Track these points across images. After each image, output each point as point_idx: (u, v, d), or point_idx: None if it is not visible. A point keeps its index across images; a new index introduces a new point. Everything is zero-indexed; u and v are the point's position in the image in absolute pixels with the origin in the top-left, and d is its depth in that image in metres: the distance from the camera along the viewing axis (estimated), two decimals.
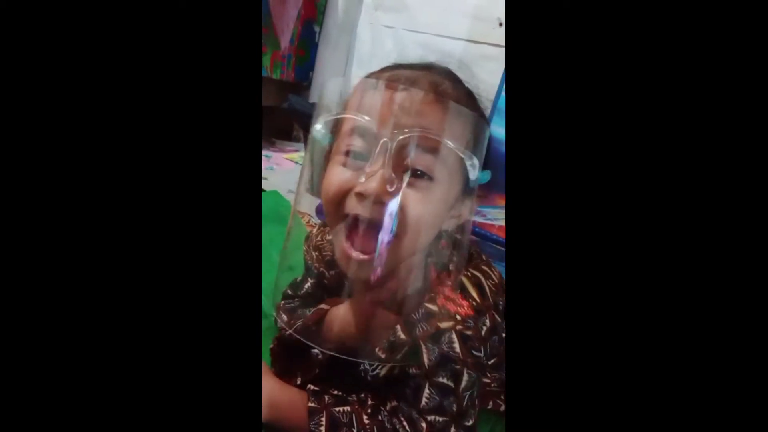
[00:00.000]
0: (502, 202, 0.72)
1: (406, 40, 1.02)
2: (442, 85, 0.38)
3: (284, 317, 0.44)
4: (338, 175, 0.36)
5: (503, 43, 0.82)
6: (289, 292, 0.47)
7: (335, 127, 0.38)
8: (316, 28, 1.29)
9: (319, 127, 0.38)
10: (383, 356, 0.36)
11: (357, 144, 0.36)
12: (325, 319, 0.40)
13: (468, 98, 0.40)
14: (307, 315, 0.41)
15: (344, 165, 0.37)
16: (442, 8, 0.99)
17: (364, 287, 0.38)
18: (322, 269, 0.45)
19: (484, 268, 0.42)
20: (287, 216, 0.41)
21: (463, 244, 0.40)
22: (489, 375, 0.41)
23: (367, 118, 0.34)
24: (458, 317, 0.37)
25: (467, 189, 0.38)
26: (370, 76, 0.40)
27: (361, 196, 0.34)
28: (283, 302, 0.46)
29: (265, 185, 1.05)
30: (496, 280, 0.41)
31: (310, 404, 0.36)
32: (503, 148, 0.77)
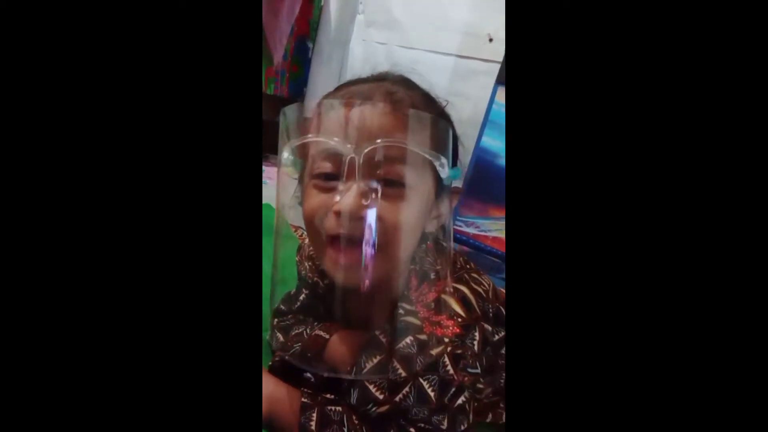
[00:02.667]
0: (496, 214, 0.73)
1: (398, 55, 1.04)
2: (397, 93, 0.39)
3: (280, 337, 0.43)
4: (313, 198, 0.37)
5: (493, 58, 0.84)
6: (283, 307, 0.46)
7: (302, 152, 0.39)
8: (310, 44, 1.30)
9: (286, 155, 0.39)
10: (381, 397, 0.36)
11: (326, 165, 0.36)
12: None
13: (425, 100, 0.41)
14: (305, 339, 0.41)
15: (317, 188, 0.37)
16: (434, 25, 1.01)
17: (357, 301, 0.38)
18: (316, 279, 0.45)
19: (467, 277, 0.42)
20: (282, 228, 0.41)
21: (447, 247, 0.40)
22: (483, 384, 0.41)
23: (335, 139, 0.35)
24: (446, 339, 0.37)
25: (441, 188, 0.39)
26: (326, 96, 0.41)
27: (338, 214, 0.35)
28: (276, 320, 0.45)
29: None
30: (486, 286, 0.41)
31: (303, 399, 0.37)
32: (497, 160, 0.78)
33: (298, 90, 1.32)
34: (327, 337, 0.39)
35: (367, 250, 0.35)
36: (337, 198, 0.34)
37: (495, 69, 0.82)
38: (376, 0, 1.12)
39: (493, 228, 0.63)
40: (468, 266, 0.43)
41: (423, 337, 0.37)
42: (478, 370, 0.37)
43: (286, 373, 0.40)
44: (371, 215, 0.34)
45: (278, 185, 0.41)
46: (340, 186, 0.35)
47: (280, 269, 0.41)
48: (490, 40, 0.91)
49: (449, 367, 0.36)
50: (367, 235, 0.34)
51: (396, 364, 0.36)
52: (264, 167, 1.22)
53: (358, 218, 0.34)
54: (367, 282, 0.35)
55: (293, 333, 0.42)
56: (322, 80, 1.24)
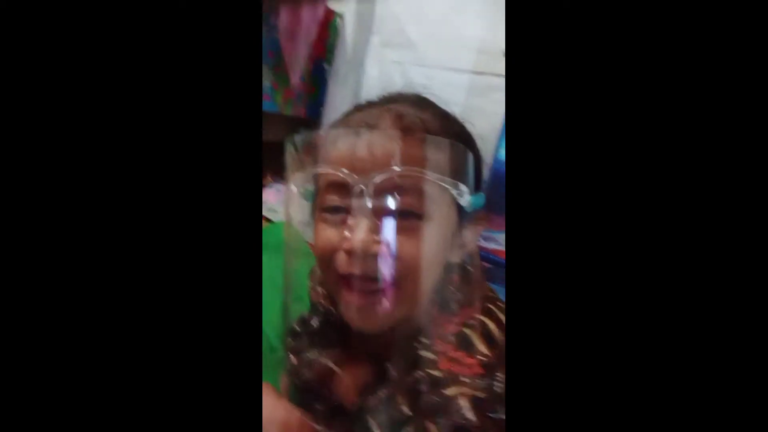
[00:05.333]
0: None
1: (413, 74, 1.05)
2: (407, 116, 0.35)
3: (293, 360, 0.41)
4: (323, 234, 0.35)
5: None
6: (297, 328, 0.45)
7: (314, 180, 0.37)
8: (326, 66, 1.33)
9: (294, 189, 0.37)
10: None
11: (334, 198, 0.34)
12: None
13: (439, 121, 0.37)
14: (313, 368, 0.39)
15: (327, 222, 0.35)
16: (448, 43, 1.02)
17: (372, 335, 0.36)
18: (328, 306, 0.43)
19: (492, 306, 0.37)
20: (298, 246, 0.41)
21: (474, 276, 0.37)
22: None
23: (343, 170, 0.32)
24: (465, 380, 0.32)
25: (464, 216, 0.36)
26: (334, 124, 0.39)
27: (349, 251, 0.32)
28: (292, 341, 0.44)
29: (275, 217, 1.06)
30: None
31: (317, 427, 0.34)
32: None
33: (315, 110, 1.34)
34: (336, 369, 0.37)
35: (384, 291, 0.32)
36: (347, 234, 0.32)
37: None
38: (390, 22, 1.15)
39: None
40: (492, 293, 0.39)
41: (437, 373, 0.33)
42: (501, 416, 0.31)
43: (297, 398, 0.38)
44: (385, 251, 0.31)
45: (289, 203, 0.39)
46: (350, 220, 0.32)
47: (296, 287, 0.40)
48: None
49: (468, 412, 0.31)
50: (383, 274, 0.31)
51: (399, 398, 0.33)
52: (282, 186, 1.23)
53: (371, 255, 0.31)
54: (384, 326, 0.32)
55: (304, 357, 0.41)
56: (338, 100, 1.26)
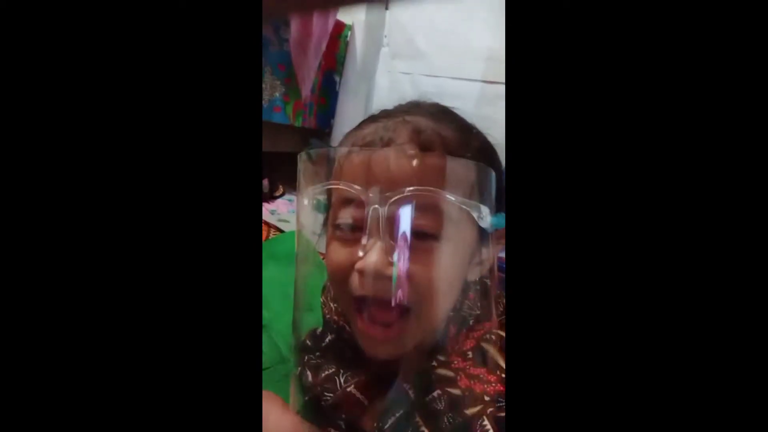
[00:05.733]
0: None
1: (423, 84, 1.06)
2: (426, 132, 0.33)
3: (309, 377, 0.39)
4: (336, 253, 0.33)
5: None
6: (309, 343, 0.43)
7: (327, 195, 0.36)
8: (337, 78, 1.35)
9: (306, 202, 0.35)
10: None
11: (349, 215, 0.32)
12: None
13: (459, 136, 0.35)
14: (339, 394, 0.35)
15: (340, 240, 0.33)
16: (457, 53, 1.02)
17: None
18: (342, 323, 0.41)
19: None
20: (309, 255, 0.40)
21: (491, 289, 0.35)
22: None
23: (356, 187, 0.31)
24: (487, 398, 0.30)
25: (485, 234, 0.33)
26: (348, 135, 0.37)
27: (362, 272, 0.30)
28: (306, 357, 0.42)
29: (287, 228, 1.07)
30: None
31: None
32: None
33: (325, 122, 1.35)
34: (365, 403, 0.35)
35: (399, 313, 0.30)
36: (360, 254, 0.30)
37: None
38: (400, 33, 1.16)
39: None
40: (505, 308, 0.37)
41: (456, 391, 0.31)
42: None
43: (316, 416, 0.36)
44: (399, 273, 0.29)
45: (300, 214, 0.38)
46: (363, 240, 0.30)
47: (308, 297, 0.39)
48: None
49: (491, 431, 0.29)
50: (399, 296, 0.30)
51: (419, 419, 0.31)
52: (294, 197, 1.24)
53: (384, 278, 0.30)
54: (399, 353, 0.31)
55: (323, 375, 0.38)
56: (349, 112, 1.28)
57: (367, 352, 0.33)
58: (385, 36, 1.19)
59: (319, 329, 0.44)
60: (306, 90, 1.19)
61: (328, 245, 0.35)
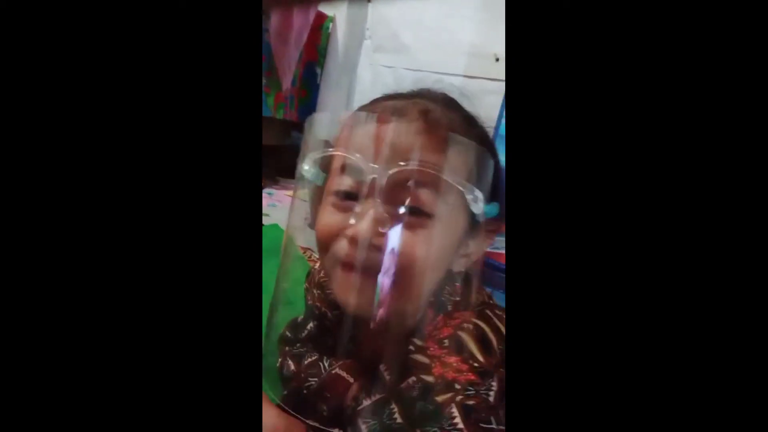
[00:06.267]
0: None
1: (405, 77, 1.05)
2: (434, 112, 0.34)
3: (291, 366, 0.40)
4: (328, 217, 0.34)
5: (500, 77, 0.84)
6: (288, 334, 0.44)
7: (326, 165, 0.36)
8: (318, 70, 1.33)
9: (307, 167, 0.35)
10: None
11: (346, 182, 0.33)
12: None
13: (465, 124, 0.36)
14: (324, 377, 0.36)
15: (335, 206, 0.34)
16: (440, 48, 1.02)
17: (367, 334, 0.35)
18: (324, 309, 0.42)
19: (490, 312, 0.36)
20: (289, 249, 0.40)
21: (474, 281, 0.35)
22: None
23: (357, 155, 0.32)
24: (457, 386, 0.31)
25: (474, 224, 0.34)
26: (360, 109, 0.38)
27: (351, 239, 0.31)
28: (288, 347, 0.42)
29: (267, 221, 1.06)
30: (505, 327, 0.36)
31: None
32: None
33: (306, 114, 1.33)
34: (351, 381, 0.35)
35: (382, 281, 0.31)
36: (352, 221, 0.31)
37: (503, 88, 0.83)
38: (382, 26, 1.15)
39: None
40: (491, 301, 0.38)
41: (429, 378, 0.32)
42: (493, 425, 0.31)
43: (298, 404, 0.37)
44: (389, 245, 0.30)
45: (292, 204, 0.38)
46: (357, 208, 0.31)
47: (288, 291, 0.39)
48: (497, 60, 0.91)
49: (457, 420, 0.30)
50: (384, 267, 0.30)
51: (394, 406, 0.32)
52: (274, 190, 1.22)
53: (372, 246, 0.30)
54: (378, 315, 0.31)
55: (306, 362, 0.39)
56: (330, 104, 1.26)
57: (341, 298, 0.33)
58: (368, 29, 1.18)
59: (300, 317, 0.44)
60: (287, 82, 1.17)
61: (321, 211, 0.35)
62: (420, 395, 0.31)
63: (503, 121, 0.74)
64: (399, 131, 0.32)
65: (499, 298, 0.39)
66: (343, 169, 0.34)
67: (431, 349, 0.33)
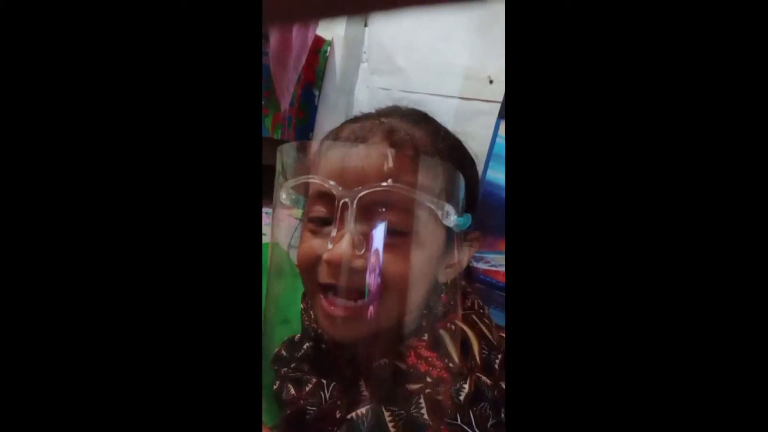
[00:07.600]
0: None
1: (401, 99, 1.07)
2: (398, 132, 0.35)
3: (291, 390, 0.39)
4: (306, 243, 0.35)
5: (494, 99, 0.86)
6: (284, 353, 0.44)
7: (304, 190, 0.37)
8: (316, 92, 1.35)
9: (285, 196, 0.37)
10: (338, 416, 0.32)
11: (320, 209, 0.34)
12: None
13: (432, 138, 0.37)
14: (323, 408, 0.36)
15: (312, 232, 0.35)
16: (435, 70, 1.04)
17: (361, 356, 0.35)
18: (320, 331, 0.41)
19: (477, 319, 0.37)
20: (285, 267, 0.40)
21: (458, 282, 0.37)
22: None
23: (330, 182, 0.32)
24: (429, 379, 0.32)
25: (452, 236, 0.35)
26: (328, 135, 0.39)
27: (329, 263, 0.32)
28: (283, 370, 0.42)
29: (265, 240, 1.05)
30: (492, 336, 0.36)
31: None
32: (503, 193, 0.78)
33: (304, 135, 1.35)
34: (352, 418, 0.34)
35: (365, 304, 0.31)
36: (330, 246, 0.32)
37: (497, 108, 0.84)
38: (379, 49, 1.17)
39: (503, 262, 0.62)
40: (481, 310, 0.39)
41: (402, 365, 0.33)
42: (458, 422, 0.32)
43: (298, 428, 0.36)
44: (369, 266, 0.31)
45: (274, 223, 0.39)
46: (333, 232, 0.32)
47: (283, 309, 0.39)
48: (491, 82, 0.93)
49: (423, 410, 0.31)
50: (369, 286, 0.31)
51: (362, 383, 0.33)
52: (272, 209, 1.22)
53: (350, 269, 0.31)
54: (361, 336, 0.32)
55: (307, 389, 0.39)
56: (327, 125, 1.28)
57: (327, 331, 0.34)
58: (365, 52, 1.20)
59: (297, 336, 0.44)
60: (285, 103, 1.19)
61: (301, 237, 0.37)
62: (389, 376, 0.32)
63: (497, 140, 0.75)
64: (366, 154, 0.33)
65: (498, 317, 0.39)
66: (318, 195, 0.35)
67: (411, 341, 0.34)
